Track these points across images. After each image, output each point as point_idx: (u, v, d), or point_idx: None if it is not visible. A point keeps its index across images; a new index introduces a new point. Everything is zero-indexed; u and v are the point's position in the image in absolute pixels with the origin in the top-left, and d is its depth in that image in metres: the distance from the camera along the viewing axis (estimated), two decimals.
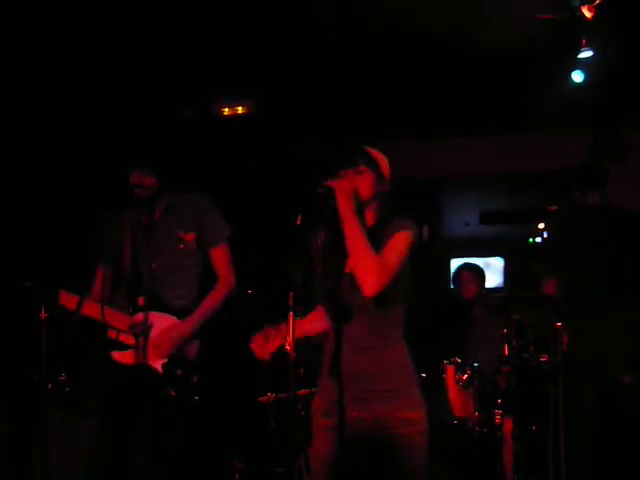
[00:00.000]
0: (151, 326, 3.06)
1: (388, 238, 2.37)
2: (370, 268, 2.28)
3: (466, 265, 5.14)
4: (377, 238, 2.37)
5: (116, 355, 3.07)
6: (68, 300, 2.99)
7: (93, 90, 4.48)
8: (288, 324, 2.24)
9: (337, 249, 2.43)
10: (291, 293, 2.24)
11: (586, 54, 4.10)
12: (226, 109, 5.30)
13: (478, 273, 4.99)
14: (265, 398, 4.04)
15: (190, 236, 3.18)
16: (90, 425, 3.31)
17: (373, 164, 2.45)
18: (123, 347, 3.06)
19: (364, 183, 2.42)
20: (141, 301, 3.06)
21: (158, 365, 3.04)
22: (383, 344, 2.38)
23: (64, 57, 4.32)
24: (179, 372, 3.02)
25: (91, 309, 2.96)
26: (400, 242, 2.37)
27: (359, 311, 2.39)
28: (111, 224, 3.10)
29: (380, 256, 2.31)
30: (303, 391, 3.88)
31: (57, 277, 3.04)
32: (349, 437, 2.37)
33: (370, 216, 2.47)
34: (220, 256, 3.24)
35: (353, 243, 2.31)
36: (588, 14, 3.55)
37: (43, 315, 2.96)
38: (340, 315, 2.42)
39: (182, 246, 3.16)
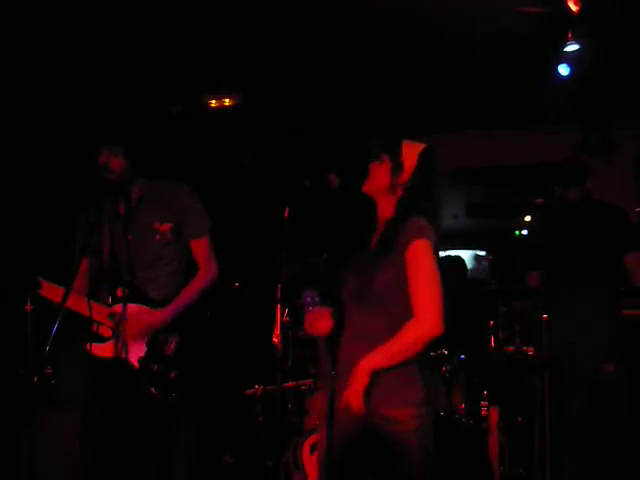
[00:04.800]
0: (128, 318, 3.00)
1: (404, 249, 2.32)
2: (420, 335, 2.28)
3: (450, 265, 5.15)
4: (392, 234, 2.35)
5: (94, 348, 2.99)
6: (51, 291, 2.93)
7: (71, 83, 4.46)
8: (276, 317, 2.24)
9: (347, 240, 2.43)
10: (279, 286, 2.24)
11: (572, 48, 4.12)
12: (213, 101, 5.28)
13: (460, 267, 5.05)
14: (252, 391, 4.04)
15: (166, 227, 3.10)
16: (75, 419, 3.28)
17: (393, 152, 2.44)
18: (102, 339, 2.99)
19: (380, 172, 2.44)
20: (119, 292, 3.00)
21: (134, 360, 2.97)
22: (379, 336, 2.32)
23: (49, 52, 4.30)
24: (155, 367, 2.95)
25: (75, 302, 2.90)
26: (425, 262, 2.31)
27: (360, 302, 2.38)
28: (92, 218, 2.99)
29: (420, 304, 2.28)
30: (290, 383, 3.89)
31: (38, 270, 2.98)
32: (340, 428, 2.35)
33: (391, 206, 2.45)
34: (201, 248, 3.18)
35: (398, 359, 2.30)
36: (574, 7, 3.56)
37: (29, 307, 2.93)
38: (343, 304, 2.42)
39: (158, 237, 3.09)
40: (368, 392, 2.29)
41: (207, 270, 3.17)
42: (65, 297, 2.67)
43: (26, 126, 4.30)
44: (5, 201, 4.15)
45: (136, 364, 2.97)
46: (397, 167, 2.43)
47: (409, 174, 2.43)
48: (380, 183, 2.44)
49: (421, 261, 2.31)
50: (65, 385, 3.86)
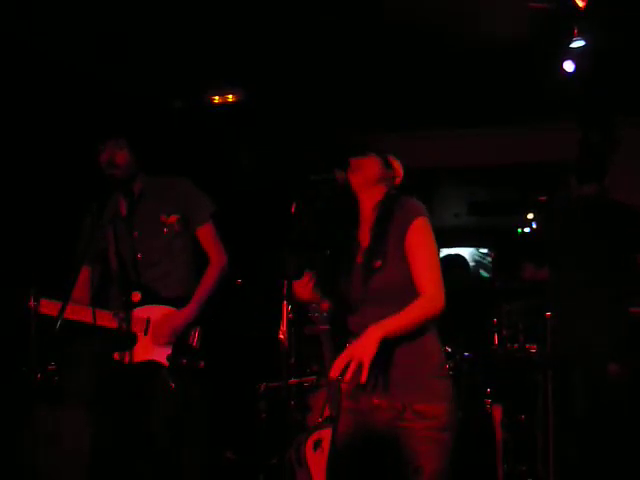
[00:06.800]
0: (149, 320, 3.00)
1: (405, 228, 2.32)
2: (430, 311, 2.26)
3: (452, 264, 5.12)
4: (386, 216, 2.35)
5: (118, 357, 2.99)
6: (50, 307, 2.89)
7: (75, 81, 4.44)
8: (282, 312, 2.22)
9: (345, 239, 2.41)
10: (285, 282, 2.23)
11: (578, 44, 4.11)
12: (217, 97, 5.27)
13: (463, 266, 5.04)
14: (256, 388, 4.03)
15: (173, 218, 3.08)
16: (77, 418, 3.27)
17: (381, 151, 2.44)
18: (123, 347, 2.98)
19: (369, 164, 2.41)
20: (135, 297, 2.99)
21: (162, 358, 2.96)
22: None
23: (51, 49, 4.28)
24: (184, 361, 2.95)
25: (77, 312, 2.91)
26: (427, 240, 2.32)
27: (374, 301, 2.35)
28: (95, 217, 2.97)
29: (424, 278, 2.27)
30: (294, 380, 3.88)
31: (40, 278, 2.97)
32: (367, 424, 2.34)
33: (377, 197, 2.43)
34: (207, 234, 3.14)
35: (407, 328, 2.25)
36: (581, 3, 3.55)
37: (32, 304, 2.91)
38: (354, 306, 2.38)
39: (166, 230, 3.07)
40: (387, 375, 2.28)
41: (218, 258, 3.14)
42: (62, 310, 2.67)
43: (30, 127, 4.29)
44: (8, 201, 4.14)
45: (165, 362, 2.96)
46: (387, 163, 2.44)
47: (399, 174, 2.45)
48: (372, 172, 2.41)
49: (423, 239, 2.32)
50: (68, 383, 3.85)
